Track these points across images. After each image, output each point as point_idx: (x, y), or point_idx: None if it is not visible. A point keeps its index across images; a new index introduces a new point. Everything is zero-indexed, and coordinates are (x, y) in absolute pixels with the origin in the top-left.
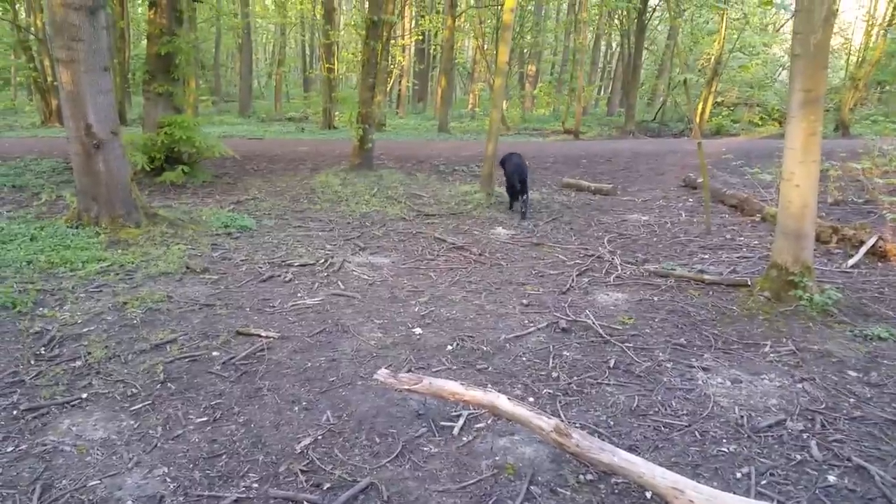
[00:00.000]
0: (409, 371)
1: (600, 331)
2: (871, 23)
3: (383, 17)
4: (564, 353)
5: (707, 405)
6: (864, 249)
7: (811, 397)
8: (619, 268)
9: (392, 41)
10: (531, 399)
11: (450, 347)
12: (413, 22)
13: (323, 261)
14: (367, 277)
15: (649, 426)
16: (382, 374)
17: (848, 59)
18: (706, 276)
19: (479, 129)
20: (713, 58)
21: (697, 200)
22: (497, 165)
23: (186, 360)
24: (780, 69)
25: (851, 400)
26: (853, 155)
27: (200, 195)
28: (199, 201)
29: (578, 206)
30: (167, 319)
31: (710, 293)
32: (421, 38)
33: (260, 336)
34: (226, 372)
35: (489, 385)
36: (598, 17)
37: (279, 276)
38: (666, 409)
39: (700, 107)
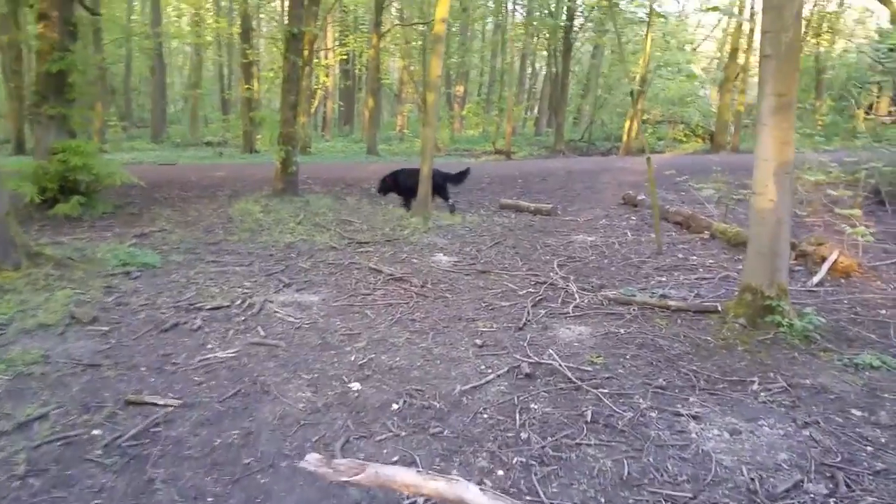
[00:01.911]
0: (348, 441)
1: (569, 374)
2: None
3: (304, 29)
4: (532, 405)
5: (709, 466)
6: (826, 266)
7: (822, 448)
8: (577, 296)
9: (315, 59)
10: (500, 472)
11: (395, 406)
12: (336, 41)
13: (240, 302)
14: (292, 320)
15: (647, 502)
16: (313, 460)
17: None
18: (671, 303)
19: (409, 151)
20: (638, 76)
21: (641, 218)
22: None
23: (58, 442)
24: (701, 87)
25: (868, 448)
26: None
27: (98, 228)
28: (97, 235)
29: (521, 227)
30: (39, 387)
31: (679, 321)
32: (345, 57)
33: (156, 405)
34: (109, 458)
35: (447, 458)
36: (524, 37)
37: (185, 323)
38: (662, 476)
39: (627, 125)
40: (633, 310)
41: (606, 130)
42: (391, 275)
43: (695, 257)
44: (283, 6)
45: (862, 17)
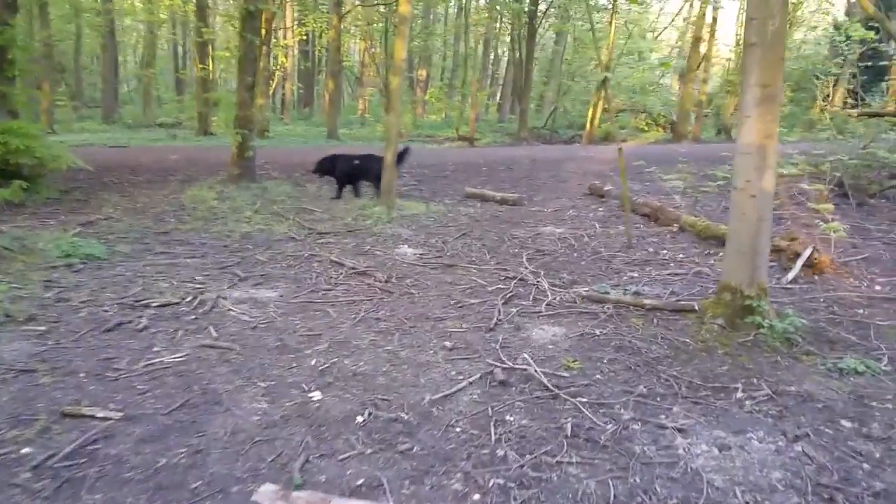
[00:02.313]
0: (307, 461)
1: (545, 381)
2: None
3: (261, 6)
4: (508, 416)
5: (699, 487)
6: (800, 263)
7: (817, 465)
8: (549, 293)
9: (274, 39)
10: (476, 497)
11: (360, 419)
12: (295, 21)
13: (190, 298)
14: (248, 319)
15: None
16: (268, 494)
17: (728, 65)
18: (646, 301)
19: (371, 136)
20: (602, 64)
21: (608, 209)
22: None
23: None
24: (661, 75)
25: (865, 466)
26: None
27: (42, 216)
28: (39, 223)
29: (487, 218)
30: None
31: (655, 321)
32: (305, 38)
33: (94, 418)
34: (39, 481)
35: (418, 480)
36: (487, 21)
37: (130, 322)
38: (651, 499)
39: (590, 112)
40: (608, 308)
41: (569, 118)
42: (354, 268)
43: (665, 251)
44: None
45: (821, 7)
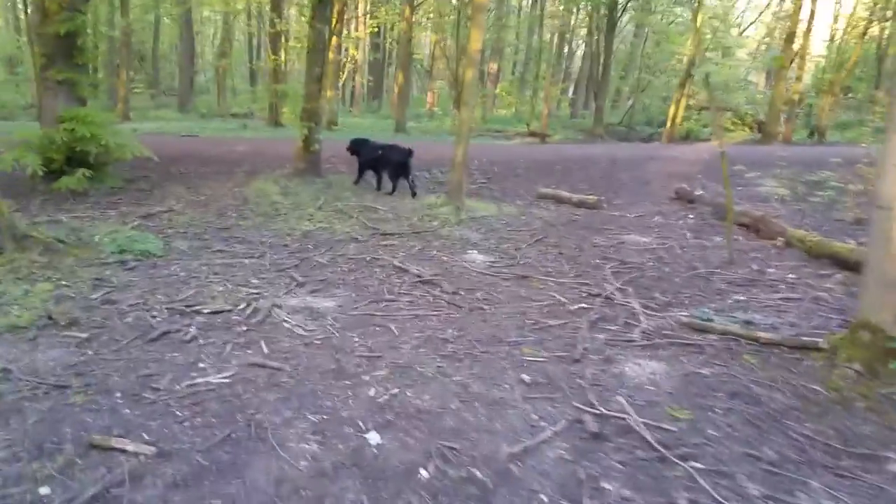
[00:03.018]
0: None
1: (648, 437)
2: (852, 25)
3: None
4: (604, 483)
5: None
6: None
7: None
8: (641, 317)
9: (345, 31)
10: None
11: (424, 473)
12: (367, 12)
13: (244, 306)
14: (303, 333)
15: None
16: None
17: (826, 62)
18: (760, 334)
19: (439, 130)
20: (686, 58)
21: (699, 218)
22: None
23: None
24: (749, 72)
25: None
26: (850, 163)
27: (103, 206)
28: (100, 214)
29: (563, 223)
30: None
31: (773, 360)
32: (376, 30)
33: (125, 451)
34: None
35: None
36: (563, 14)
37: (178, 331)
38: None
39: (672, 110)
40: (714, 340)
41: (647, 115)
42: (419, 276)
43: (773, 270)
44: None
45: None
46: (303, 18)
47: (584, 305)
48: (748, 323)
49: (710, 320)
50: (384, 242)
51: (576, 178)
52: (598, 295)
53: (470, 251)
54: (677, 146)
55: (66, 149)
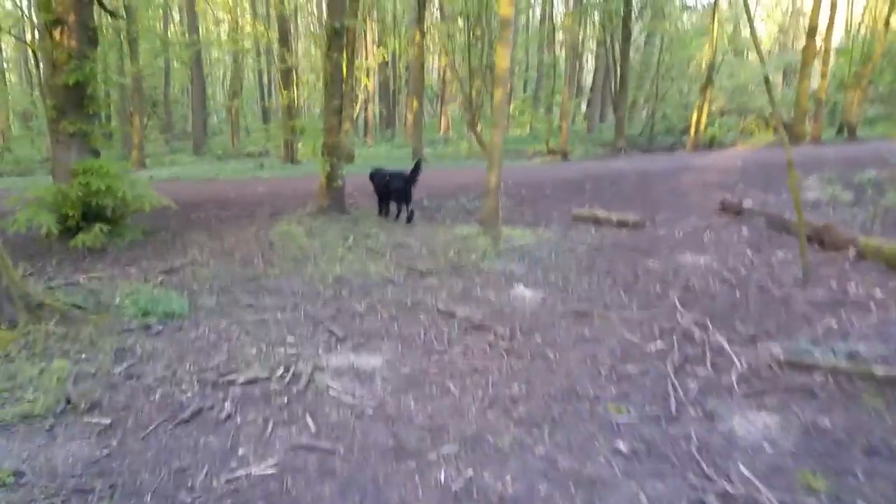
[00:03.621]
0: None
1: None
2: (873, 14)
3: (347, 23)
4: None
5: None
6: None
7: None
8: (731, 355)
9: (356, 61)
10: None
11: None
12: (375, 42)
13: (282, 371)
14: (351, 400)
15: None
16: None
17: (851, 56)
18: (875, 370)
19: (456, 156)
20: (705, 62)
21: (753, 230)
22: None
23: None
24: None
25: None
26: None
27: (123, 262)
28: (120, 272)
29: (609, 246)
30: None
31: None
32: (386, 59)
33: None
34: None
35: None
36: (575, 27)
37: (212, 408)
38: None
39: (694, 117)
40: (821, 380)
41: (667, 124)
42: (468, 319)
43: (854, 288)
44: (319, 8)
45: None
46: (313, 52)
47: (660, 345)
48: (853, 355)
49: (810, 353)
50: (423, 282)
51: (608, 195)
52: (673, 330)
53: (516, 286)
54: (705, 154)
55: (81, 204)
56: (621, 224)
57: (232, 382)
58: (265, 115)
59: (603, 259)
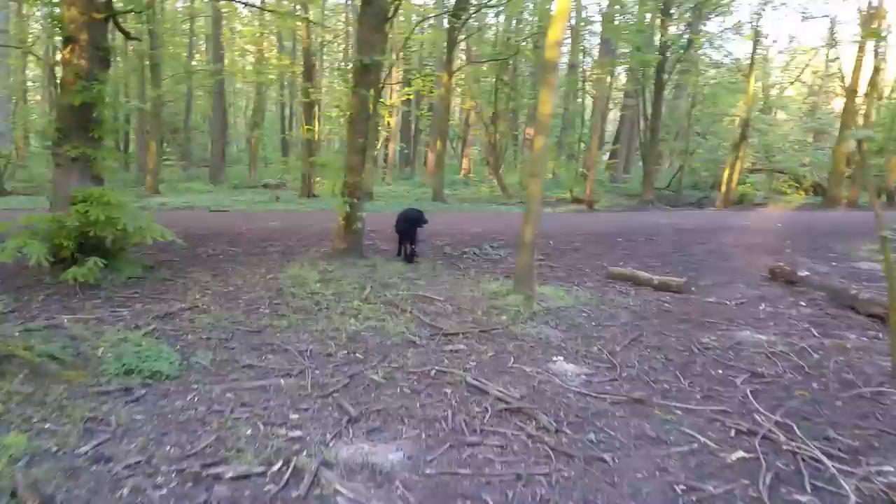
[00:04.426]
0: None
1: None
2: None
3: (377, 59)
4: None
5: None
6: None
7: None
8: (838, 476)
9: (381, 100)
10: None
11: None
12: (400, 82)
13: (280, 465)
14: None
15: None
16: None
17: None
18: None
19: (476, 198)
20: (739, 119)
21: (813, 304)
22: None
23: None
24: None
25: None
26: None
27: (116, 302)
28: (110, 315)
29: (654, 313)
30: None
31: None
32: (411, 97)
33: None
34: None
35: None
36: (604, 76)
37: None
38: None
39: (727, 173)
40: None
41: (694, 178)
42: (503, 401)
43: None
44: (346, 43)
45: None
46: (337, 87)
47: (742, 454)
48: None
49: None
50: (448, 347)
51: (643, 252)
52: (752, 433)
53: (556, 358)
54: (739, 212)
55: (77, 234)
56: (662, 287)
57: (218, 477)
58: (284, 148)
59: (650, 329)
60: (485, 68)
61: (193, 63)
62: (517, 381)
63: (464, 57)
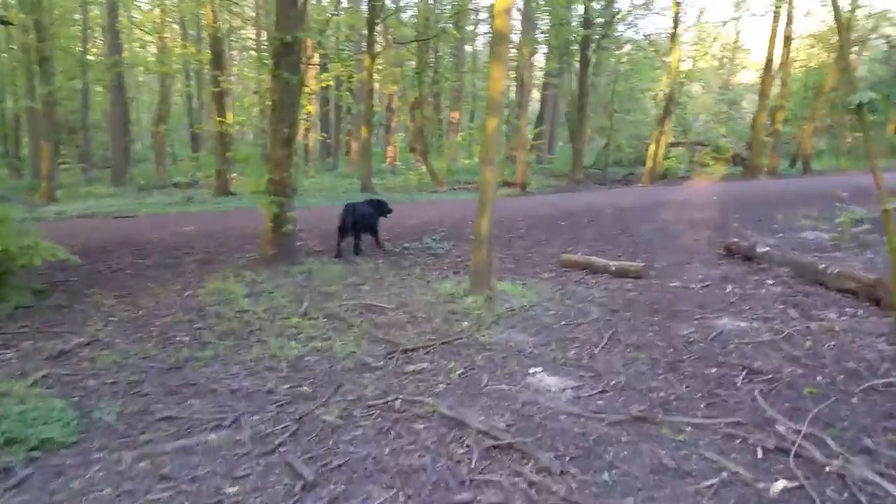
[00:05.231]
0: None
1: None
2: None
3: (299, 36)
4: None
5: None
6: None
7: None
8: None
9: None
10: None
11: None
12: (317, 66)
13: None
14: None
15: None
16: None
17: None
18: None
19: (406, 187)
20: (663, 93)
21: (780, 282)
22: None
23: None
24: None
25: None
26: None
27: (0, 340)
28: None
29: (621, 305)
30: None
31: None
32: (331, 83)
33: None
34: None
35: None
36: (521, 56)
37: None
38: None
39: (652, 149)
40: None
41: (619, 155)
42: (489, 436)
43: None
44: (257, 28)
45: None
46: (249, 74)
47: (785, 483)
48: None
49: None
50: (410, 367)
51: (589, 235)
52: (783, 451)
53: (533, 370)
54: (666, 187)
55: None
56: (621, 273)
57: None
58: (195, 143)
59: (624, 325)
60: (407, 51)
61: (89, 56)
62: (497, 405)
63: (383, 40)
